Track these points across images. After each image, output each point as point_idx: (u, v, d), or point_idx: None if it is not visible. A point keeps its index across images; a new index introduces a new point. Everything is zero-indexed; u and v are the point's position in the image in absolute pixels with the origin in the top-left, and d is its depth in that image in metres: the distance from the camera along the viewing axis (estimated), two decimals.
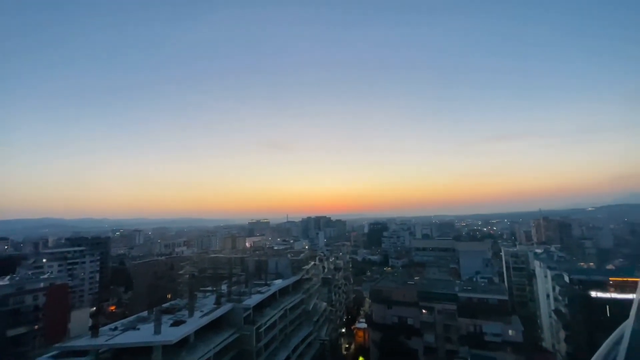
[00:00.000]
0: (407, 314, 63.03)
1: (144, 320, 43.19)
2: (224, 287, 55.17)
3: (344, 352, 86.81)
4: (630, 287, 57.40)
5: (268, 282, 60.59)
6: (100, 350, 36.60)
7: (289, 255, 74.74)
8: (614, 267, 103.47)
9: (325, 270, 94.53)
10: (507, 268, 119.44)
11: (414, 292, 64.03)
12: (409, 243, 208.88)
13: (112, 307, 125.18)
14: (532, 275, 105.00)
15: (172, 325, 39.84)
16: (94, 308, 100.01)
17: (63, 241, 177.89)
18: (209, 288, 57.82)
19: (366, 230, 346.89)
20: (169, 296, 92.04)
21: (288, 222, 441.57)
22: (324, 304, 79.88)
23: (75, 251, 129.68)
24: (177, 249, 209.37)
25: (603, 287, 60.84)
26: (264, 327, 48.53)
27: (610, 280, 61.70)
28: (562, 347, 68.64)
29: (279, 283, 61.18)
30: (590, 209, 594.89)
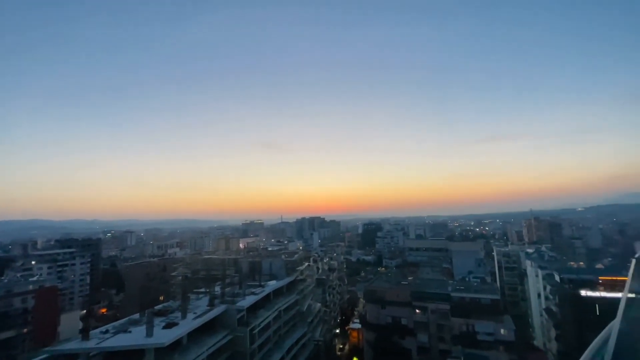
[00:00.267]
0: (401, 314, 63.39)
1: (135, 322, 42.67)
2: (217, 289, 54.75)
3: (338, 353, 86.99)
4: (619, 286, 58.37)
5: (262, 284, 60.36)
6: (91, 354, 36.03)
7: (283, 256, 74.48)
8: (603, 267, 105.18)
9: (320, 271, 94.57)
10: (499, 268, 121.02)
11: (407, 292, 64.37)
12: (402, 243, 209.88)
13: (103, 310, 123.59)
14: (523, 275, 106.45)
15: (164, 327, 39.43)
16: (85, 311, 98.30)
17: (53, 243, 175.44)
18: (202, 290, 57.37)
19: (360, 230, 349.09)
20: (161, 298, 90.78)
21: (282, 222, 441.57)
22: (318, 304, 79.84)
23: (65, 253, 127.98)
24: (169, 251, 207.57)
25: (592, 286, 61.99)
26: (257, 329, 48.45)
27: (600, 280, 62.90)
28: (553, 345, 69.67)
29: (273, 284, 61.05)
30: (580, 209, 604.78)
